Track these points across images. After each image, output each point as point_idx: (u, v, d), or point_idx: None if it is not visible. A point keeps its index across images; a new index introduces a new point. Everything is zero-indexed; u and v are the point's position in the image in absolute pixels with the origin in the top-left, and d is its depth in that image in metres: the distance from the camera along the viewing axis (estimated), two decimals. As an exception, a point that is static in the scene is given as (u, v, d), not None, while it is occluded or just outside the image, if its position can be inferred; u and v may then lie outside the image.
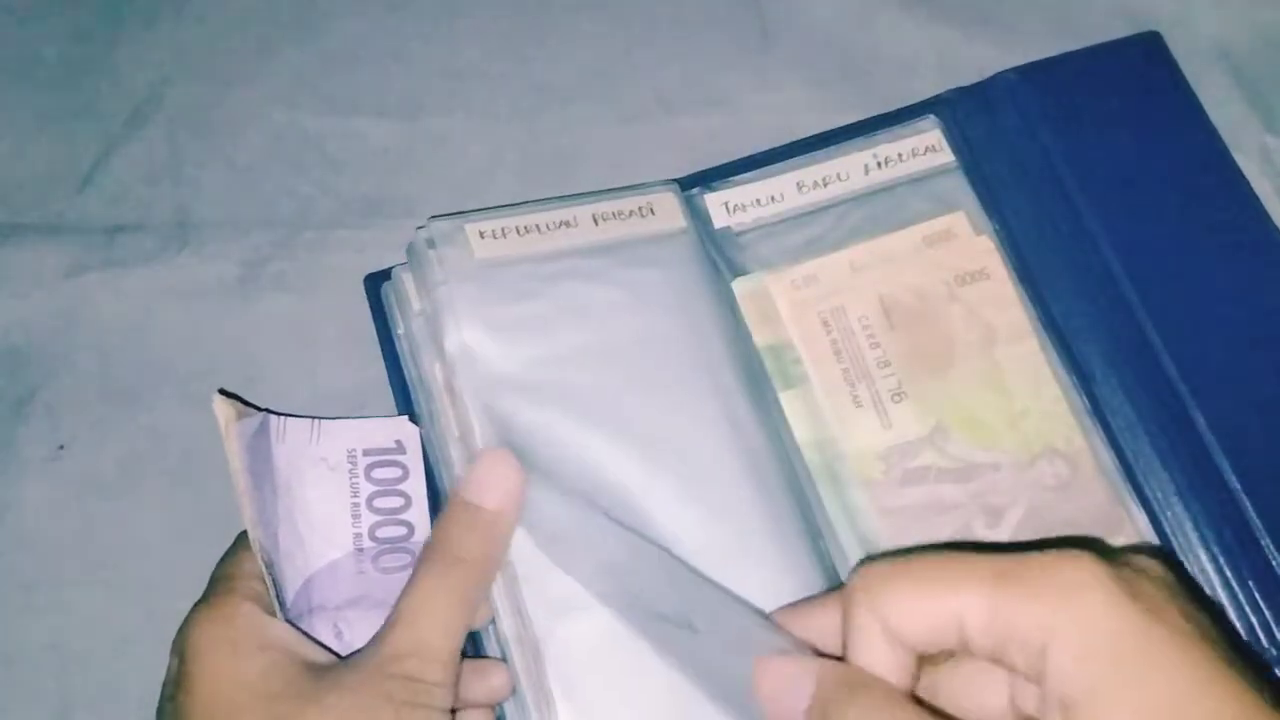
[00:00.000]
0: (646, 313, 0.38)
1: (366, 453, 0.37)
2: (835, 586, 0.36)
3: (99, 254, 0.44)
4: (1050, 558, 0.24)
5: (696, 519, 0.35)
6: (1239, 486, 0.37)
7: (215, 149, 0.46)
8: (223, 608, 0.32)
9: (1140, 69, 0.44)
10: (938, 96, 0.44)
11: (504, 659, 0.35)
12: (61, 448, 0.41)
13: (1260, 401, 0.38)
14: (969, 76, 0.44)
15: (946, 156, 0.43)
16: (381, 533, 0.36)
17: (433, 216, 0.39)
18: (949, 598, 0.24)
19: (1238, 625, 0.36)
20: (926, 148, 0.43)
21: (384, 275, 0.41)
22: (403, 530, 0.37)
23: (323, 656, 0.32)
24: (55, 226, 0.45)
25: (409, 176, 0.45)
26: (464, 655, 0.32)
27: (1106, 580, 0.24)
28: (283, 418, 0.36)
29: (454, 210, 0.43)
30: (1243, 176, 0.42)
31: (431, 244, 0.38)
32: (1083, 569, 0.24)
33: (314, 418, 0.37)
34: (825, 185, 0.42)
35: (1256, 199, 0.42)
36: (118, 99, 0.47)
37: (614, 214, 0.40)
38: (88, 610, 0.39)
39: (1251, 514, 0.37)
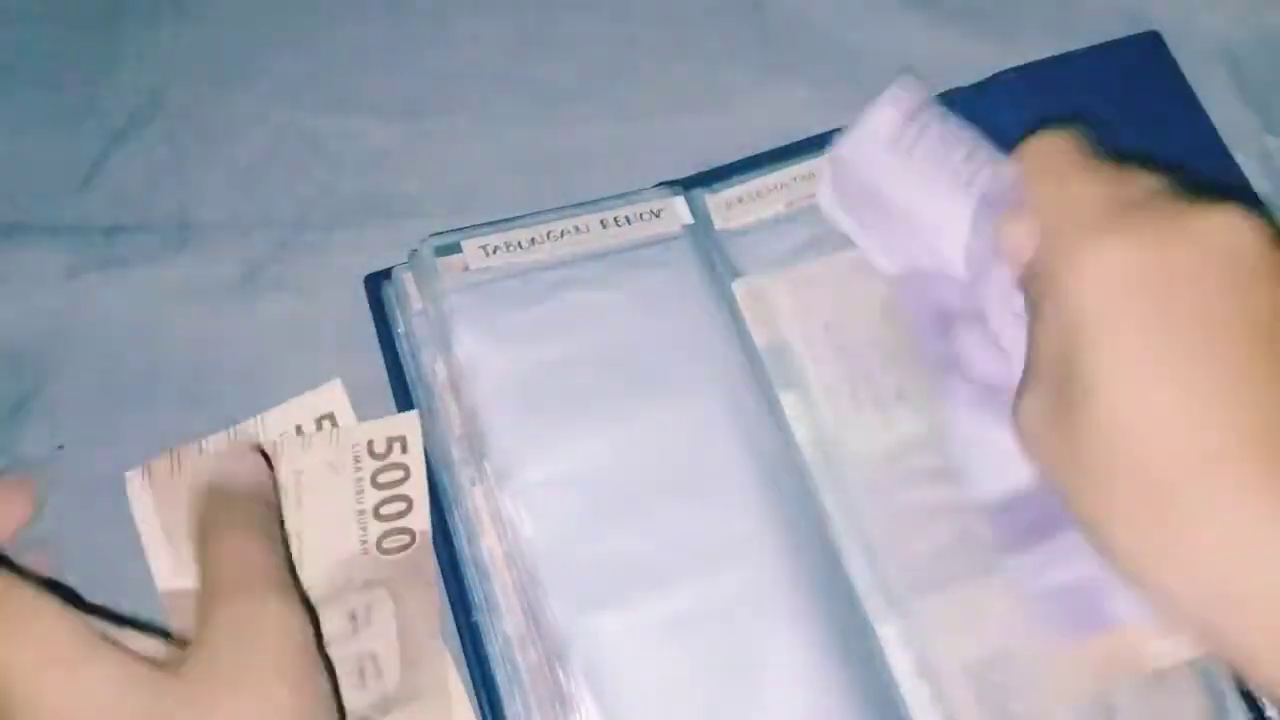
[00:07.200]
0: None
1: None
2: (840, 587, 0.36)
3: (99, 254, 0.44)
4: None
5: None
6: (1239, 486, 0.37)
7: (216, 149, 0.46)
8: None
9: (1140, 69, 0.44)
10: (937, 97, 0.44)
11: (501, 655, 0.35)
12: (61, 448, 0.41)
13: (1260, 401, 0.38)
14: (969, 76, 0.44)
15: (947, 156, 0.43)
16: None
17: (435, 233, 0.39)
18: None
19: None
20: (927, 147, 0.43)
21: (384, 275, 0.41)
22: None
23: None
24: (55, 226, 0.45)
25: (409, 176, 0.45)
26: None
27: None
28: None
29: (454, 210, 0.44)
30: (1243, 177, 0.42)
31: (433, 258, 0.39)
32: None
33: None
34: (826, 185, 0.42)
35: (1257, 199, 0.42)
36: (118, 99, 0.47)
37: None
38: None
39: (1252, 514, 0.37)
